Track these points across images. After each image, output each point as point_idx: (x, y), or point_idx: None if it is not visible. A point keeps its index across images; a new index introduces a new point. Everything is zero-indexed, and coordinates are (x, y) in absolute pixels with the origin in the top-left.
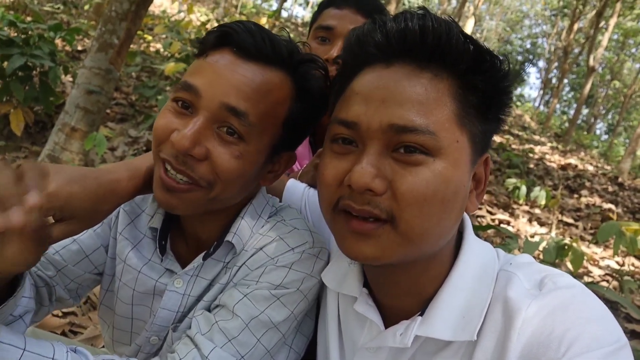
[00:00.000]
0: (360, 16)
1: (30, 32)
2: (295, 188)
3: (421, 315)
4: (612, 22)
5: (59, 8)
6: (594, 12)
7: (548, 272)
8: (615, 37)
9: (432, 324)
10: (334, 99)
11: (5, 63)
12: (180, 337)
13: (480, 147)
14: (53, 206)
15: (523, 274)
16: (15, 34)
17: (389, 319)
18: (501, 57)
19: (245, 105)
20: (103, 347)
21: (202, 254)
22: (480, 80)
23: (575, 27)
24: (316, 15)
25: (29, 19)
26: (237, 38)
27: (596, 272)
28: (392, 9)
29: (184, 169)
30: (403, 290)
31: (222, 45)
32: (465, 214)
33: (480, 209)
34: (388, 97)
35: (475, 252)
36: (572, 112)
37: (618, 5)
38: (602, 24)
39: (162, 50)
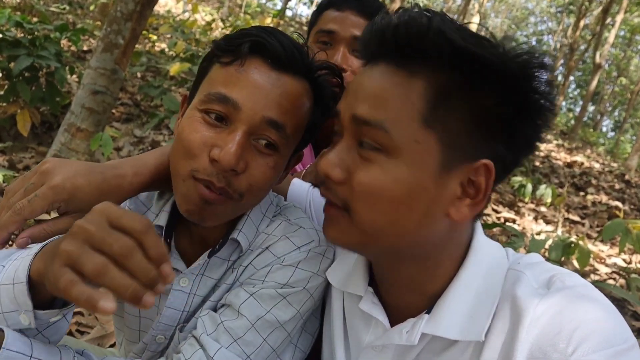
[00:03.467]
0: (362, 18)
1: (36, 33)
2: (299, 187)
3: (428, 313)
4: (619, 18)
5: (64, 8)
6: (600, 8)
7: (556, 271)
8: (622, 33)
9: (439, 322)
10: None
11: (12, 64)
12: (186, 337)
13: (469, 152)
14: (58, 199)
15: (531, 273)
16: (22, 35)
17: (395, 318)
18: (496, 51)
19: (284, 118)
20: (111, 346)
21: (208, 251)
22: (461, 79)
23: (582, 23)
24: (315, 17)
25: (35, 19)
26: (271, 48)
27: (603, 270)
28: (395, 7)
29: (224, 186)
30: (406, 285)
31: (254, 54)
32: None
33: (485, 207)
34: (359, 91)
35: (485, 251)
36: (578, 109)
37: (625, 2)
38: (609, 20)
39: (167, 50)
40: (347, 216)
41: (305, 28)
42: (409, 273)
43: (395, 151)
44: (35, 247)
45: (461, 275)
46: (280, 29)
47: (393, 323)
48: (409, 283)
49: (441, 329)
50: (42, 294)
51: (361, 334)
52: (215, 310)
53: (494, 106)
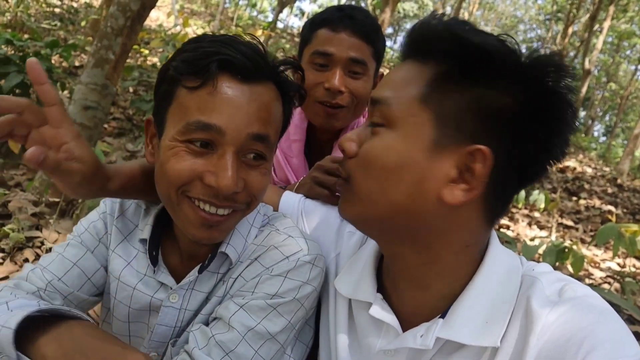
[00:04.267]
0: (357, 38)
1: (27, 50)
2: (291, 200)
3: (442, 317)
4: (606, 25)
5: (55, 25)
6: (587, 15)
7: (568, 281)
8: (610, 39)
9: (454, 326)
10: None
11: (3, 81)
12: (179, 352)
13: (462, 131)
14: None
15: (546, 280)
16: (12, 52)
17: (406, 323)
18: (488, 42)
19: (266, 128)
20: None
21: (197, 267)
22: (455, 67)
23: (570, 30)
24: (309, 34)
25: (26, 36)
26: (238, 64)
27: (597, 274)
28: (386, 17)
29: (229, 204)
30: (410, 280)
31: (222, 71)
32: None
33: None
34: (385, 81)
35: (501, 258)
36: None
37: (611, 9)
38: (596, 27)
39: (158, 64)
40: (348, 187)
41: (296, 39)
42: (410, 263)
43: (394, 123)
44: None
45: (477, 279)
46: (271, 40)
47: (404, 328)
48: (411, 278)
49: (456, 333)
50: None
51: (372, 340)
52: (207, 324)
53: (495, 97)
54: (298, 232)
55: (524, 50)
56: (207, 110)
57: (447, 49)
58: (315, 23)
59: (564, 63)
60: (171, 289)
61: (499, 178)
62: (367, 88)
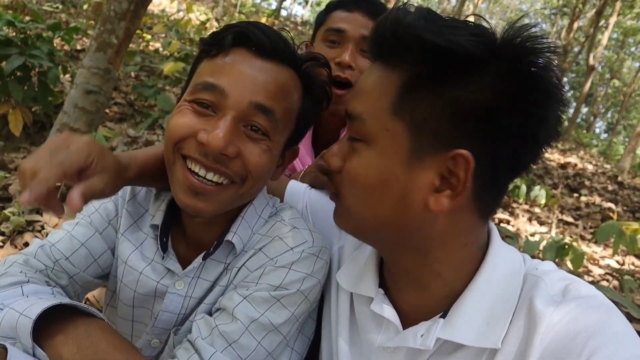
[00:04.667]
0: (370, 19)
1: (28, 32)
2: (296, 189)
3: (442, 317)
4: (612, 20)
5: (57, 7)
6: (593, 10)
7: (572, 280)
8: (615, 35)
9: (455, 327)
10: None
11: (4, 63)
12: (181, 341)
13: (440, 141)
14: (92, 151)
15: (549, 279)
16: (14, 34)
17: (406, 320)
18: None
19: (272, 102)
20: None
21: (202, 254)
22: (428, 71)
23: (575, 25)
24: (322, 17)
25: (27, 18)
26: (254, 37)
27: (596, 271)
28: (390, 7)
29: (218, 166)
30: (410, 281)
31: (238, 45)
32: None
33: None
34: (355, 90)
35: (502, 256)
36: (571, 110)
37: (618, 4)
38: (602, 22)
39: (161, 49)
40: (339, 201)
41: (300, 28)
42: (408, 266)
43: (370, 140)
44: (53, 300)
45: (478, 279)
46: (274, 28)
47: (404, 325)
48: (411, 278)
49: (457, 334)
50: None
51: (372, 336)
52: (210, 313)
53: (469, 97)
54: (303, 224)
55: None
56: (216, 73)
57: (412, 53)
58: (330, 6)
59: (539, 38)
60: (177, 275)
61: (486, 176)
62: None
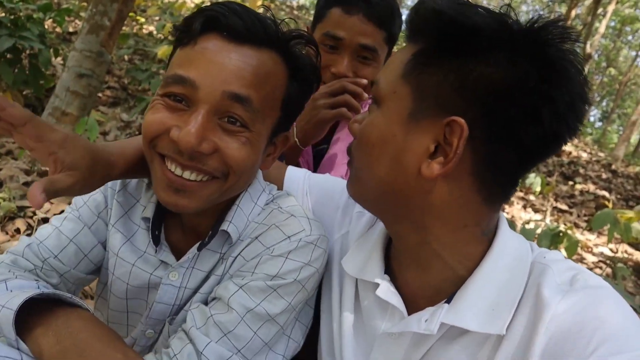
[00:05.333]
0: (370, 24)
1: (18, 13)
2: (295, 175)
3: (447, 302)
4: (610, 9)
5: None
6: None
7: (579, 270)
8: (613, 24)
9: (460, 312)
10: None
11: None
12: (176, 330)
13: (441, 107)
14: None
15: (557, 268)
16: (3, 15)
17: (412, 306)
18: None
19: (248, 91)
20: None
21: (197, 244)
22: (444, 46)
23: (573, 13)
24: (321, 11)
25: None
26: (226, 21)
27: (590, 259)
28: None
29: (194, 164)
30: (413, 261)
31: (209, 30)
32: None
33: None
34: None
35: (510, 244)
36: None
37: None
38: (600, 10)
39: (155, 32)
40: (351, 167)
41: (296, 12)
42: (410, 242)
43: (380, 101)
44: (35, 290)
45: (484, 265)
46: (269, 13)
47: (410, 311)
48: (412, 256)
49: (461, 319)
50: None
51: (377, 321)
52: (205, 302)
53: (479, 71)
54: (301, 212)
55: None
56: (186, 65)
57: (428, 26)
58: (330, 0)
59: (566, 27)
60: (171, 266)
61: (487, 153)
62: (376, 74)
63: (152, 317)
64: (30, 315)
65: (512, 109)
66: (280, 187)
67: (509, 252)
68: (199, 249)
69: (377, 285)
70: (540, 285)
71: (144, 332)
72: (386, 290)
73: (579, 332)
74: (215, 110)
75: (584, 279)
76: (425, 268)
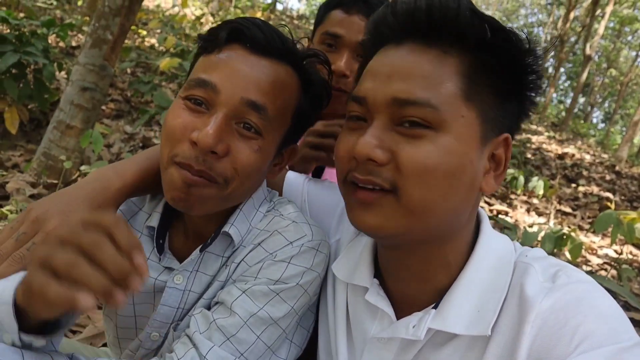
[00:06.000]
0: None
1: (23, 29)
2: (295, 181)
3: (434, 307)
4: (609, 10)
5: (51, 4)
6: (589, 0)
7: (562, 266)
8: (612, 25)
9: (446, 317)
10: (355, 82)
11: None
12: (180, 336)
13: (496, 126)
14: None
15: (539, 266)
16: (8, 31)
17: (401, 310)
18: (520, 34)
19: (264, 99)
20: (103, 345)
21: (200, 246)
22: (492, 58)
23: (572, 15)
24: (322, 15)
25: (21, 15)
26: (249, 34)
27: (595, 260)
28: None
29: (204, 169)
30: (415, 275)
31: (233, 41)
32: (480, 208)
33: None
34: (393, 73)
35: (492, 244)
36: (568, 101)
37: None
38: (598, 12)
39: (156, 45)
40: (392, 199)
41: (296, 22)
42: (415, 260)
43: (443, 126)
44: (22, 273)
45: (468, 268)
46: (270, 22)
47: (399, 315)
48: (414, 271)
49: (447, 324)
50: (29, 317)
51: (366, 326)
52: (209, 308)
53: (515, 82)
54: (302, 218)
55: (524, 35)
56: (209, 70)
57: (481, 39)
58: (330, 4)
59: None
60: (176, 270)
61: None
62: None
63: (157, 320)
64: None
65: (524, 116)
66: (279, 192)
67: (491, 253)
68: (202, 250)
69: (367, 289)
70: (523, 284)
71: (149, 335)
72: (375, 295)
73: (563, 328)
74: (232, 115)
75: (567, 275)
76: (429, 279)
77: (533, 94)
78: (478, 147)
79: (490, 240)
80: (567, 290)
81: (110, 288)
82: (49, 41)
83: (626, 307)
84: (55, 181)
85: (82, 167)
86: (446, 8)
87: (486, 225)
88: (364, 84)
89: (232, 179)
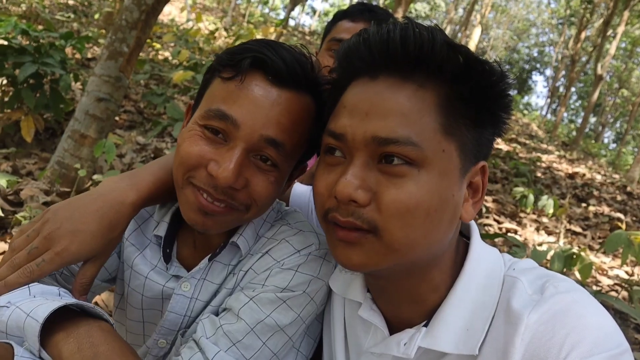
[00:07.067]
0: None
1: (41, 41)
2: (301, 192)
3: (425, 325)
4: (620, 30)
5: (69, 17)
6: (601, 20)
7: (550, 277)
8: (623, 45)
9: (436, 336)
10: (327, 111)
11: (17, 71)
12: (187, 342)
13: (474, 155)
14: (65, 262)
15: (526, 279)
16: (27, 43)
17: (393, 325)
18: (492, 62)
19: (283, 136)
20: None
21: (209, 255)
22: (468, 89)
23: (583, 35)
24: (330, 27)
25: (40, 27)
26: (271, 64)
27: (605, 281)
28: (399, 17)
29: (225, 198)
30: (403, 298)
31: (255, 69)
32: (472, 221)
33: (487, 217)
34: (371, 110)
35: (481, 261)
36: (579, 120)
37: (625, 14)
38: (610, 32)
39: (170, 58)
40: (372, 238)
41: (307, 38)
42: (403, 285)
43: (426, 162)
44: (62, 302)
45: (457, 287)
46: (282, 38)
47: (392, 329)
48: (403, 294)
49: (437, 343)
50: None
51: (361, 339)
52: (216, 314)
53: (491, 107)
54: (309, 227)
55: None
56: (230, 101)
57: (452, 71)
58: (337, 16)
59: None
60: (184, 277)
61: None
62: None
63: (164, 327)
64: (53, 321)
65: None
66: (286, 202)
67: (480, 271)
68: (210, 260)
69: (361, 303)
70: (509, 299)
71: (156, 342)
72: (368, 310)
73: (551, 339)
74: (250, 149)
75: (554, 285)
76: (421, 302)
77: (505, 115)
78: (458, 179)
79: (479, 258)
80: (555, 301)
81: None
82: (66, 53)
83: (637, 329)
84: (69, 189)
85: (95, 176)
86: (420, 40)
87: (475, 241)
88: (341, 119)
89: (251, 205)
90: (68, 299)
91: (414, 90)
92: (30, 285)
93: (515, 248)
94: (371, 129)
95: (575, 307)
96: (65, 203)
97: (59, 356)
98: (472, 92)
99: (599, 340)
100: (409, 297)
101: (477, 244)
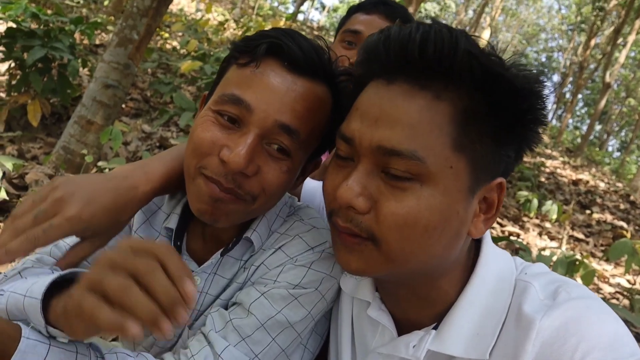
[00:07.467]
0: (389, 23)
1: (51, 25)
2: (313, 188)
3: (435, 328)
4: (631, 39)
5: (78, 2)
6: (612, 28)
7: (563, 282)
8: (633, 54)
9: (445, 339)
10: (345, 105)
11: (26, 54)
12: (195, 334)
13: (489, 172)
14: (75, 230)
15: (538, 283)
16: (37, 26)
17: (402, 325)
18: (522, 75)
19: (298, 123)
20: (114, 339)
21: (220, 250)
22: (490, 102)
23: (592, 42)
24: (344, 20)
25: (50, 12)
26: (288, 50)
27: (607, 289)
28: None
29: (233, 187)
30: (412, 301)
31: (271, 56)
32: None
33: None
34: (381, 117)
35: (492, 265)
36: (584, 127)
37: (637, 23)
38: (620, 40)
39: (178, 47)
40: (371, 246)
41: (316, 32)
42: (412, 292)
43: (430, 179)
44: (55, 275)
45: (468, 291)
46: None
47: (400, 330)
48: (417, 299)
49: (447, 346)
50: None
51: (368, 339)
52: (225, 308)
53: (513, 125)
54: (322, 223)
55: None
56: (244, 86)
57: (472, 82)
58: (352, 10)
59: (544, 72)
60: (194, 272)
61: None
62: None
63: None
64: (52, 297)
65: (521, 156)
66: (298, 197)
67: (492, 275)
68: (222, 255)
69: (369, 303)
70: (521, 304)
71: None
72: (377, 309)
73: (563, 345)
74: (263, 136)
75: (567, 291)
76: (431, 304)
77: (534, 132)
78: (466, 197)
79: (490, 262)
80: (568, 307)
81: (158, 317)
82: (75, 38)
83: (639, 338)
84: (73, 175)
85: (100, 163)
86: (441, 44)
87: (487, 245)
88: (353, 122)
89: (259, 196)
90: (60, 272)
91: (429, 101)
92: (22, 271)
93: (521, 252)
94: (377, 137)
95: (588, 314)
96: (77, 175)
97: (59, 312)
98: (492, 108)
99: (612, 348)
100: (417, 301)
101: (488, 248)
